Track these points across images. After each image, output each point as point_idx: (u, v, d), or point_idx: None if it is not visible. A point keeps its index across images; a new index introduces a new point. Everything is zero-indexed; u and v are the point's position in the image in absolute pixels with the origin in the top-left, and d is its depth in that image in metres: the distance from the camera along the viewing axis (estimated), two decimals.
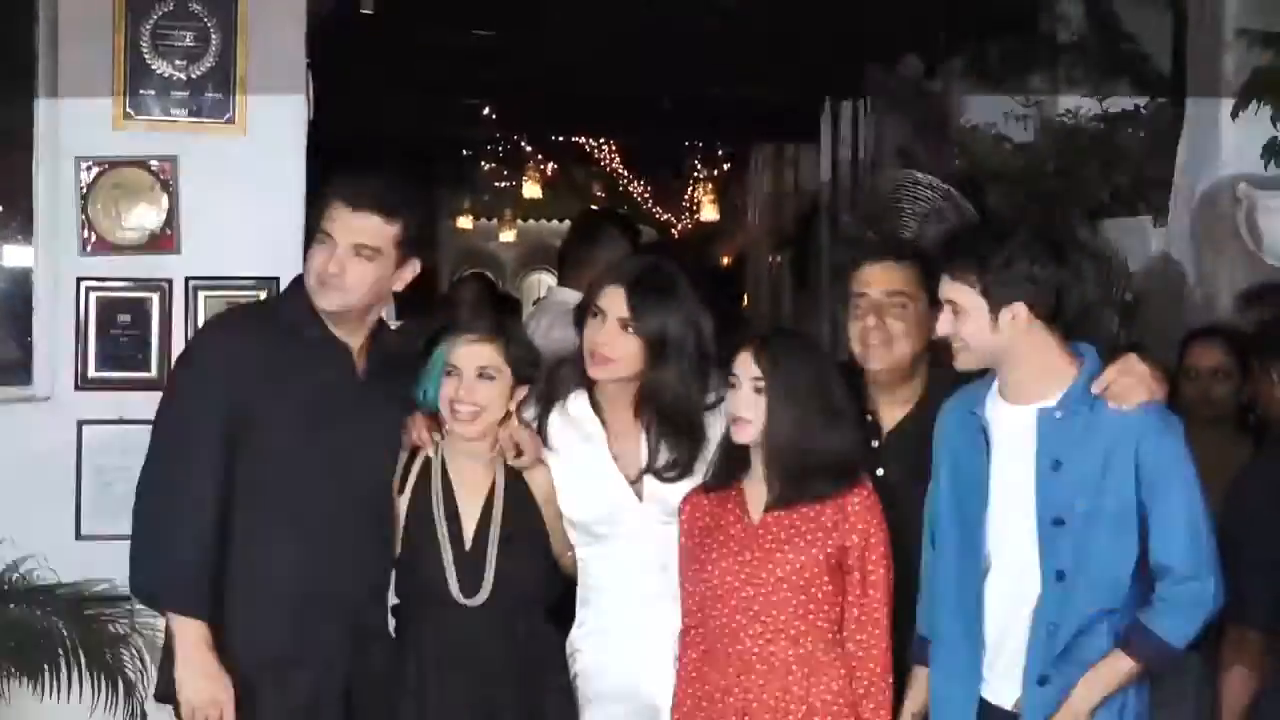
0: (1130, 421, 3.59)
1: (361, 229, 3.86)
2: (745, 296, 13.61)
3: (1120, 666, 3.60)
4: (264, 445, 3.86)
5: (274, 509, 3.87)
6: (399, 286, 4.01)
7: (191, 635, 3.83)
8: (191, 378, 3.99)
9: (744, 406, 3.79)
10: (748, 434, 3.80)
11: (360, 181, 3.99)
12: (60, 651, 4.91)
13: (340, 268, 3.85)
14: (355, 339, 3.97)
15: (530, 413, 4.09)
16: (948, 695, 3.75)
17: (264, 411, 3.85)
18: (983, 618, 3.69)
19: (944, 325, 3.68)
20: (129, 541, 3.91)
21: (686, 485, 4.00)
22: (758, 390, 3.78)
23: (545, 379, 4.11)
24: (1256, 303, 5.76)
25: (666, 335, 3.95)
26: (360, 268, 3.86)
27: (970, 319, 3.63)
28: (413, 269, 3.98)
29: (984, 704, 3.71)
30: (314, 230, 3.97)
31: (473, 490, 4.04)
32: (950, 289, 3.66)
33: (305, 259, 4.00)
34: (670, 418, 4.00)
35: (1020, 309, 3.62)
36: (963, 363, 3.70)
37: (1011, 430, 3.68)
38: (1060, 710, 3.61)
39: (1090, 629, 3.61)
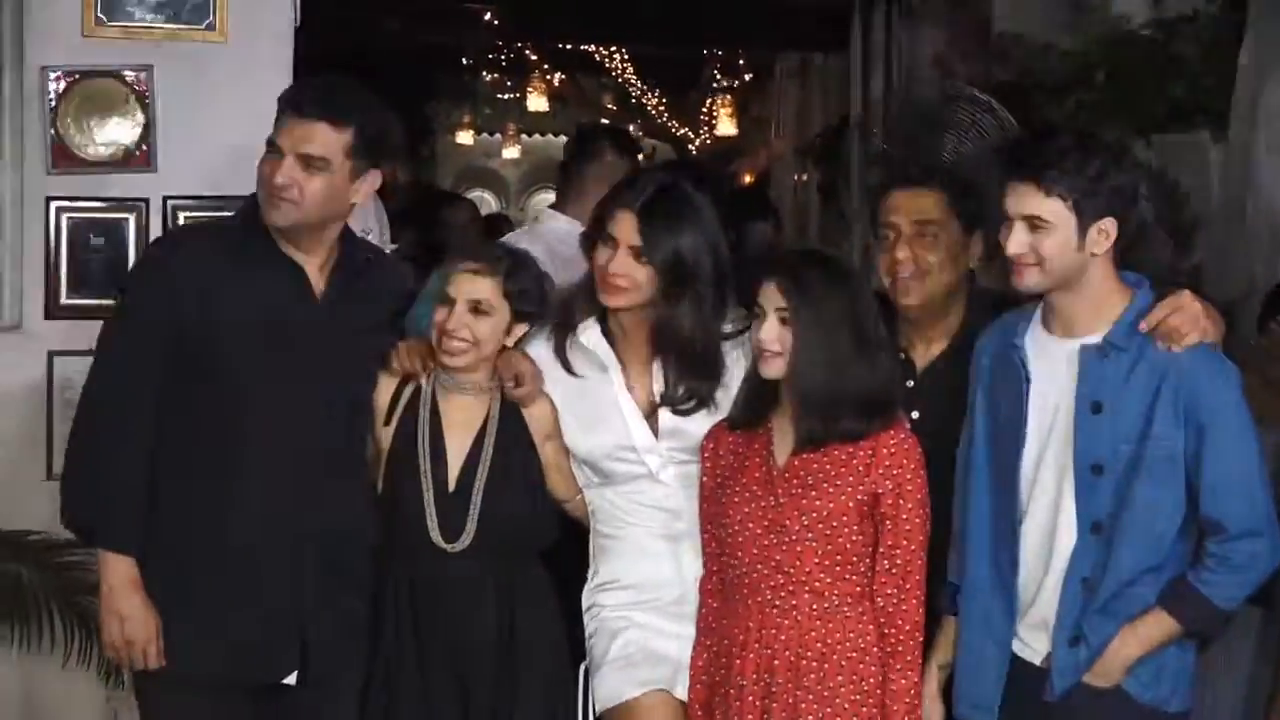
0: (1179, 364, 3.56)
1: (307, 137, 3.83)
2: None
3: (1161, 626, 3.59)
4: (215, 371, 3.85)
5: (233, 439, 3.86)
6: (358, 200, 3.97)
7: (118, 573, 3.86)
8: (133, 300, 4.00)
9: (770, 339, 3.75)
10: (775, 368, 3.77)
11: (307, 87, 3.99)
12: (30, 601, 4.93)
13: (288, 180, 3.81)
14: (312, 258, 3.94)
15: (533, 347, 4.08)
16: (978, 650, 3.75)
17: (213, 335, 3.84)
18: (1017, 567, 3.68)
19: (1018, 243, 3.61)
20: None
21: (706, 419, 3.99)
22: (784, 321, 3.75)
23: (559, 306, 4.09)
24: None
25: (682, 262, 3.93)
26: (310, 181, 3.82)
27: (1055, 235, 3.58)
28: (372, 181, 3.95)
29: (1019, 661, 3.71)
30: None
31: (463, 425, 4.01)
32: (1034, 202, 3.59)
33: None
34: (686, 352, 3.99)
35: (1110, 225, 3.60)
36: (1031, 282, 3.63)
37: (1052, 366, 3.66)
38: (1093, 668, 3.60)
39: (1129, 587, 3.59)
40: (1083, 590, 3.60)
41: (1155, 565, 3.59)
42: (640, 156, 6.23)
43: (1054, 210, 3.58)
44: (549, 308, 4.07)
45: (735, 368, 3.98)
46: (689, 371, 4.00)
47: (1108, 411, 3.58)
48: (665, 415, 4.02)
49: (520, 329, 4.03)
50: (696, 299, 3.95)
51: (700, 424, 3.99)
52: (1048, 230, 3.58)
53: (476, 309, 3.95)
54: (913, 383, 4.11)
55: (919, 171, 4.31)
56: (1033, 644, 3.69)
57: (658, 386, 4.03)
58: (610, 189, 4.21)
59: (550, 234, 4.84)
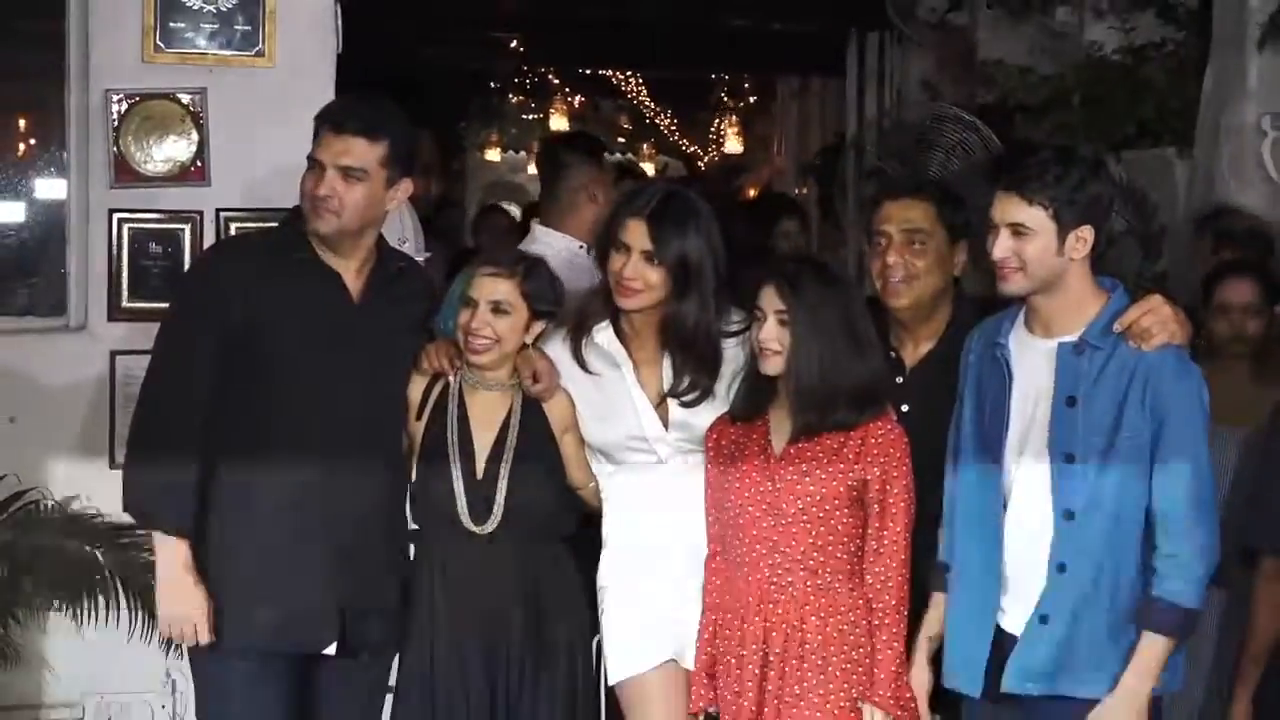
0: (1148, 362, 3.55)
1: (346, 151, 3.84)
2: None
3: (1155, 647, 3.55)
4: (259, 370, 3.86)
5: (277, 433, 3.87)
6: (392, 207, 3.99)
7: (172, 554, 3.86)
8: (185, 303, 4.01)
9: (770, 338, 3.77)
10: (774, 365, 3.78)
11: (343, 105, 4.03)
12: (96, 580, 4.93)
13: (330, 191, 3.83)
14: (349, 263, 3.94)
15: (550, 347, 4.07)
16: (963, 624, 3.74)
17: (258, 335, 3.85)
18: (1001, 549, 3.67)
19: (1003, 248, 3.60)
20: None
21: (709, 410, 3.99)
22: (782, 322, 3.76)
23: (576, 310, 4.09)
24: (1206, 229, 5.75)
25: (688, 262, 3.92)
26: (350, 191, 3.84)
27: (1037, 241, 3.57)
28: (405, 189, 3.97)
29: (1004, 634, 3.69)
30: None
31: (488, 419, 4.03)
32: (1018, 211, 3.58)
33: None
34: (692, 345, 3.98)
35: (1087, 232, 3.58)
36: (1014, 285, 3.62)
37: (1033, 363, 3.65)
38: (1115, 704, 3.54)
39: (1102, 574, 3.57)
40: (1058, 573, 3.58)
41: (1129, 553, 3.57)
42: (651, 169, 6.13)
43: (1036, 218, 3.57)
44: (563, 307, 4.07)
45: (736, 364, 3.97)
46: (692, 365, 3.99)
47: (1081, 405, 3.57)
48: (674, 408, 4.02)
49: (538, 326, 4.03)
50: (700, 296, 3.95)
51: (705, 416, 3.98)
52: (1030, 237, 3.57)
53: (497, 308, 3.97)
54: (902, 379, 4.10)
55: (909, 184, 4.30)
56: (1020, 620, 3.66)
57: (666, 379, 4.03)
58: (617, 201, 4.18)
59: (547, 251, 4.73)
